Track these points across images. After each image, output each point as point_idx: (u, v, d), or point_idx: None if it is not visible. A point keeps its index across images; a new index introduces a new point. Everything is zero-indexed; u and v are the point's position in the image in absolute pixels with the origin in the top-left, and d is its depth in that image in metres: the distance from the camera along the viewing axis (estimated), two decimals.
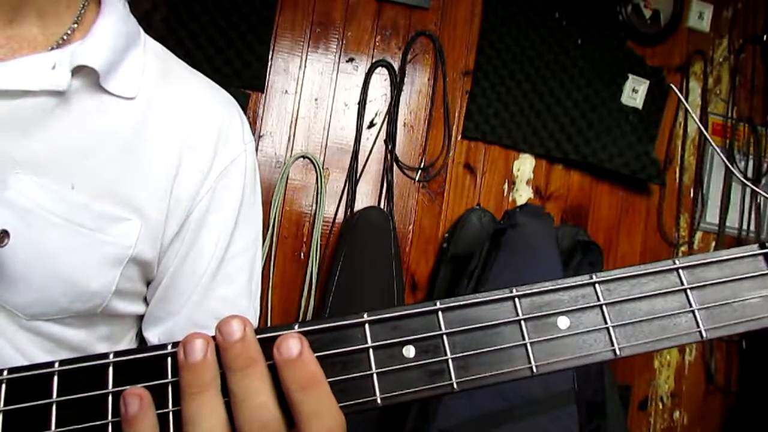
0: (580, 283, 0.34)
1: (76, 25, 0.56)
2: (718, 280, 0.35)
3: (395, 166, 1.81)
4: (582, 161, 1.91)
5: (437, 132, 1.85)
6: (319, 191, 1.74)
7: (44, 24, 0.54)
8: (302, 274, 1.73)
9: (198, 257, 0.61)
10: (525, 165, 1.92)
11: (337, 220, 1.76)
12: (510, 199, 1.91)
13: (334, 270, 1.66)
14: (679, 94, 0.41)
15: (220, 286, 0.63)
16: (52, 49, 0.54)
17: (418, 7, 1.82)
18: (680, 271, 0.35)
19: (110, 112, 0.56)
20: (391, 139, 1.80)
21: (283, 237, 1.73)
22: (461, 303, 0.34)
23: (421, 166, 1.83)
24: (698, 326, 0.35)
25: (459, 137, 1.86)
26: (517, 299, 0.34)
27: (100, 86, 0.55)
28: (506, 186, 1.90)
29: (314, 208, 1.75)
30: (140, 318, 0.65)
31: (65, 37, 0.55)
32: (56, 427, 0.31)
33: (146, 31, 0.63)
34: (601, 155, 1.91)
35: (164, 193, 0.58)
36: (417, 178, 1.83)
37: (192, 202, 0.60)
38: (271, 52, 1.73)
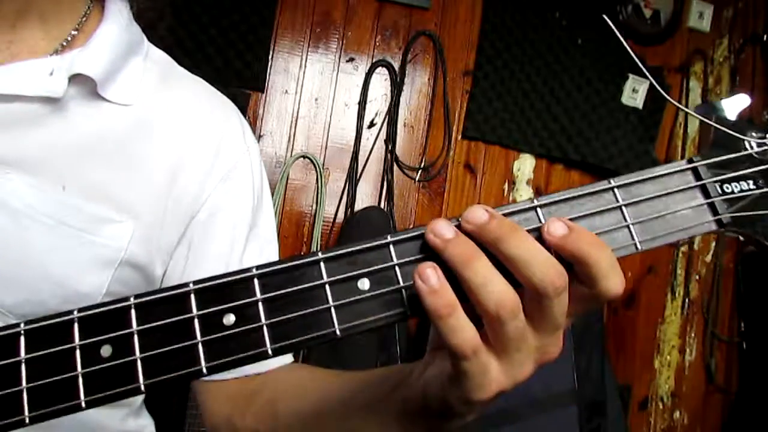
0: (524, 207, 0.36)
1: (76, 32, 0.56)
2: (651, 195, 0.37)
3: (395, 166, 1.81)
4: (582, 161, 1.91)
5: (437, 132, 1.85)
6: (319, 191, 1.74)
7: (46, 29, 0.55)
8: None
9: (212, 261, 0.61)
10: (525, 165, 1.92)
11: (337, 220, 1.76)
12: (510, 199, 1.91)
13: None
14: (659, 88, 0.42)
15: None
16: (52, 54, 0.54)
17: (419, 7, 1.82)
18: (615, 189, 0.37)
19: (106, 116, 0.56)
20: (391, 139, 1.80)
21: (283, 237, 1.73)
22: (410, 235, 0.36)
23: (421, 166, 1.83)
24: (633, 239, 0.37)
25: (459, 137, 1.86)
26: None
27: (97, 93, 0.55)
28: (506, 186, 1.90)
29: (314, 208, 1.75)
30: None
31: (65, 43, 0.55)
32: (27, 383, 0.32)
33: (147, 33, 0.63)
34: (601, 155, 1.91)
35: (160, 197, 0.57)
36: (417, 178, 1.83)
37: (194, 205, 0.60)
38: (271, 52, 1.73)
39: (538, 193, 1.93)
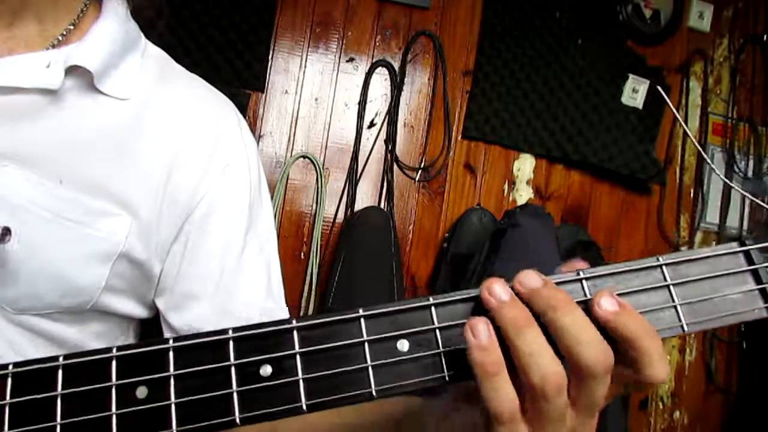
0: (569, 279, 0.36)
1: (72, 27, 0.56)
2: (700, 276, 0.36)
3: (395, 166, 1.81)
4: (582, 161, 1.91)
5: (437, 132, 1.85)
6: (319, 191, 1.74)
7: (42, 25, 0.55)
8: (302, 274, 1.73)
9: (209, 257, 0.61)
10: (525, 165, 1.92)
11: (337, 220, 1.76)
12: (510, 199, 1.91)
13: (335, 270, 1.66)
14: (665, 95, 0.41)
15: (241, 290, 0.62)
16: (48, 49, 0.54)
17: (419, 7, 1.82)
18: (664, 267, 0.36)
19: (103, 110, 0.56)
20: (391, 139, 1.80)
21: (283, 237, 1.73)
22: (453, 299, 0.35)
23: (421, 166, 1.83)
24: (680, 320, 0.36)
25: (459, 137, 1.86)
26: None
27: (94, 87, 0.55)
28: (506, 186, 1.90)
29: (314, 208, 1.75)
30: (138, 320, 0.65)
31: (61, 38, 0.55)
32: (62, 418, 0.32)
33: (147, 32, 0.63)
34: (601, 155, 1.91)
35: (157, 193, 0.57)
36: (417, 178, 1.82)
37: (190, 203, 0.59)
38: (271, 52, 1.73)
39: (538, 193, 1.93)
